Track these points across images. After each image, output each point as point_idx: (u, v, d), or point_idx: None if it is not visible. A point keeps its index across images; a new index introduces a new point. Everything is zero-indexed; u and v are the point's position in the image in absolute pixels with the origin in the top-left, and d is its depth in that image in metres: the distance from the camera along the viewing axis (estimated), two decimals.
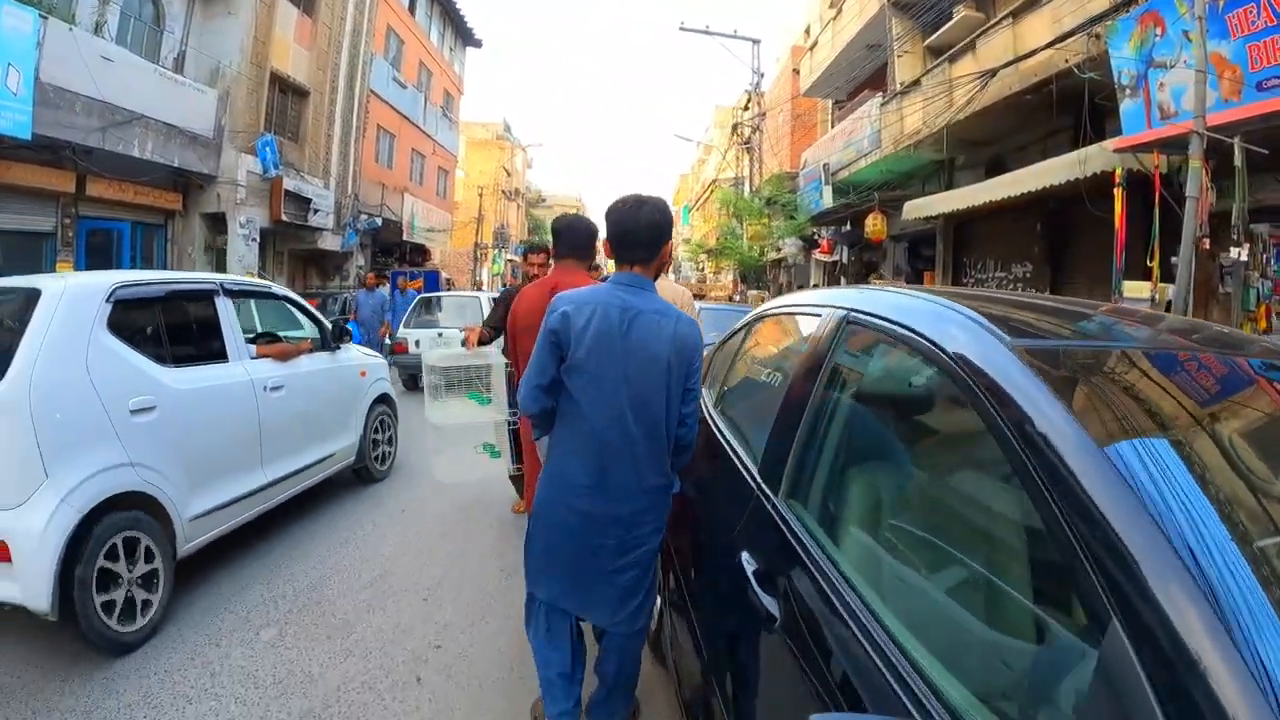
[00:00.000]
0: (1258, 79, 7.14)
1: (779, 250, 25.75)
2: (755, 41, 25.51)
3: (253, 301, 7.24)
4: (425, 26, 32.47)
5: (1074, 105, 10.92)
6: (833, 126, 23.24)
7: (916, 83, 15.20)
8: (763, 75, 26.10)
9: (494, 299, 9.83)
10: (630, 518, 2.61)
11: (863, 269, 22.41)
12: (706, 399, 3.71)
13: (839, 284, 23.15)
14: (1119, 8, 9.06)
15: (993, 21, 12.99)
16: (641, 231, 2.66)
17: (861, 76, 21.17)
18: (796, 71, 26.68)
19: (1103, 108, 9.95)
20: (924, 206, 14.54)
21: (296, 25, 20.33)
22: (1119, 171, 8.79)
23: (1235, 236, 7.28)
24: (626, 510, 2.60)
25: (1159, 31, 8.21)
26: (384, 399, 7.39)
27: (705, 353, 4.09)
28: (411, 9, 30.40)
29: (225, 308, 5.08)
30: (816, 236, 22.13)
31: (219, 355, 4.93)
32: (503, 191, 53.39)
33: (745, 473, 2.60)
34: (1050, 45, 10.10)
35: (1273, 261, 7.50)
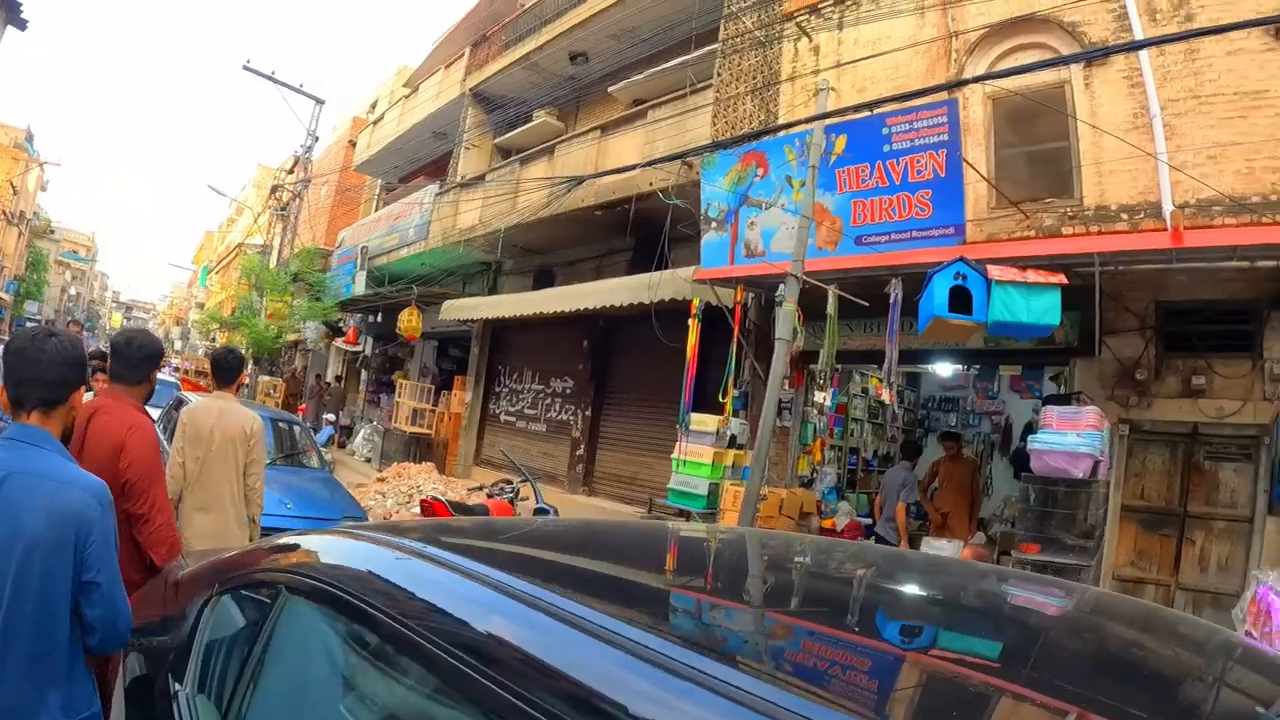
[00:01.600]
0: (858, 233, 7.07)
1: (298, 332, 22.60)
2: (319, 101, 22.77)
3: None
4: None
5: (642, 229, 10.43)
6: (378, 209, 21.35)
7: (482, 178, 13.91)
8: (318, 139, 23.34)
9: None
10: None
11: (386, 363, 20.32)
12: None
13: (359, 376, 20.73)
14: (723, 144, 8.71)
15: (579, 131, 12.29)
16: (46, 369, 2.06)
17: (422, 162, 19.68)
18: (353, 144, 24.51)
19: (675, 236, 9.38)
20: (468, 308, 13.07)
21: None
22: (696, 302, 8.26)
23: (821, 381, 7.18)
24: None
25: (760, 172, 8.14)
26: None
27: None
28: None
29: None
30: (343, 323, 19.60)
31: None
32: (4, 214, 41.76)
33: None
34: (646, 165, 9.30)
35: (828, 399, 7.45)
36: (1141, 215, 7.13)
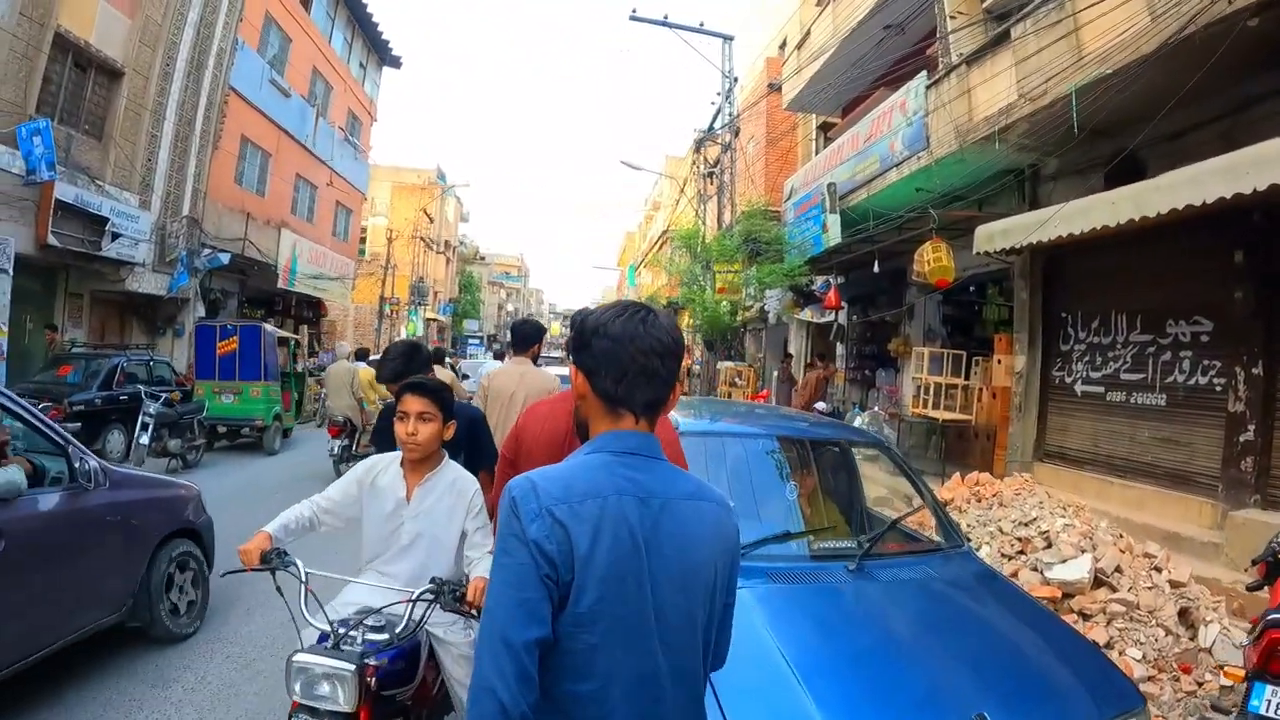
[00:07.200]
0: None
1: (749, 307, 19.72)
2: (727, 38, 19.94)
3: None
4: (324, 29, 25.97)
5: None
6: (817, 153, 17.73)
7: (1005, 35, 9.40)
8: (736, 79, 20.41)
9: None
10: None
11: (868, 332, 16.37)
12: None
13: (833, 352, 17.25)
14: None
15: None
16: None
17: (868, 78, 15.56)
18: (771, 86, 21.17)
19: None
20: (1034, 226, 8.49)
21: None
22: None
23: None
24: None
25: None
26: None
27: None
28: (305, 3, 24.05)
29: None
30: (812, 286, 16.17)
31: None
32: (423, 239, 46.08)
33: None
34: None
35: None
36: None
